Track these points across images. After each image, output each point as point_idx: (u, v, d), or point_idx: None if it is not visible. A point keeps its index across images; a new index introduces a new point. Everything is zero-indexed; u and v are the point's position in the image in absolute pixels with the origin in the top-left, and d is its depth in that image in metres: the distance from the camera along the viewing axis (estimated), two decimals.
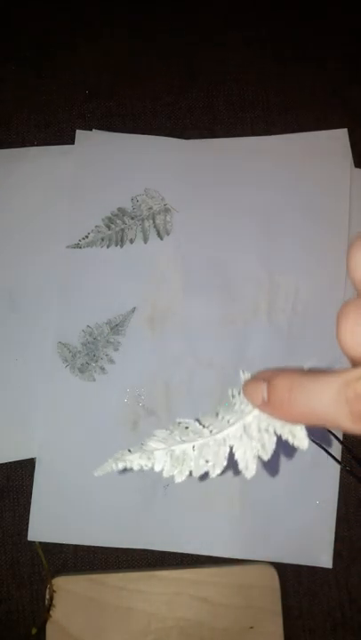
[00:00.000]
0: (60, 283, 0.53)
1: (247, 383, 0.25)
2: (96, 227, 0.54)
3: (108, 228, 0.54)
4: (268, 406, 0.23)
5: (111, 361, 0.52)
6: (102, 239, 0.54)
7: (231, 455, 0.25)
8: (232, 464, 0.25)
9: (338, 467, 0.51)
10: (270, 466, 0.51)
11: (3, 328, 0.52)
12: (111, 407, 0.51)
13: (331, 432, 0.51)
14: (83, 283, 0.53)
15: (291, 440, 0.24)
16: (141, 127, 0.57)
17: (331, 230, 0.55)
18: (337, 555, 0.50)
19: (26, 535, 0.49)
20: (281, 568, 0.50)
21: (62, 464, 0.50)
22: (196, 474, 0.25)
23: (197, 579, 0.49)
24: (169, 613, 0.48)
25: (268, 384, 0.24)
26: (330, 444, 0.51)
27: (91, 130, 0.56)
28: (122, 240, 0.54)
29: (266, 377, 0.24)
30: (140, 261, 0.54)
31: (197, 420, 0.27)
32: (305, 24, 0.60)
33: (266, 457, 0.25)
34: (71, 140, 0.56)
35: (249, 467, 0.25)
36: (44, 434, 0.51)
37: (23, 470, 0.51)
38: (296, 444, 0.24)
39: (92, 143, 0.56)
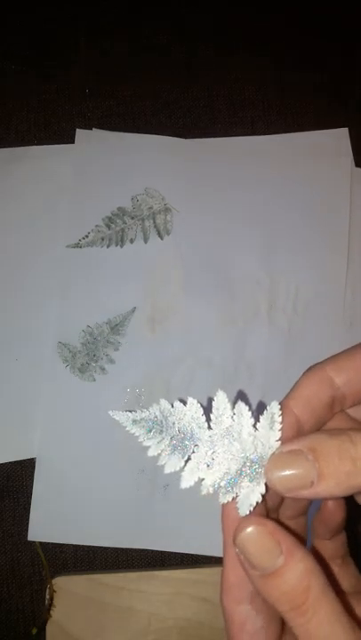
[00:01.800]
0: (60, 283, 0.53)
1: (279, 463, 0.23)
2: (96, 226, 0.54)
3: (108, 227, 0.54)
4: (321, 483, 0.21)
5: (111, 361, 0.52)
6: (102, 239, 0.54)
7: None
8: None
9: None
10: None
11: (3, 328, 0.52)
12: (111, 407, 0.51)
13: None
14: (83, 282, 0.53)
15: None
16: (141, 126, 0.57)
17: (331, 230, 0.55)
18: None
19: (26, 535, 0.49)
20: None
21: (62, 464, 0.50)
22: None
23: (197, 579, 0.49)
24: (169, 613, 0.48)
25: (315, 454, 0.22)
26: None
27: (91, 129, 0.56)
28: (122, 240, 0.54)
29: (304, 446, 0.22)
30: (141, 261, 0.54)
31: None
32: (305, 24, 0.60)
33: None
34: (71, 140, 0.56)
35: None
36: (44, 434, 0.50)
37: (23, 470, 0.51)
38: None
39: (93, 142, 0.56)
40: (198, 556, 0.50)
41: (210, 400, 0.24)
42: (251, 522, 0.22)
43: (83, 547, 0.50)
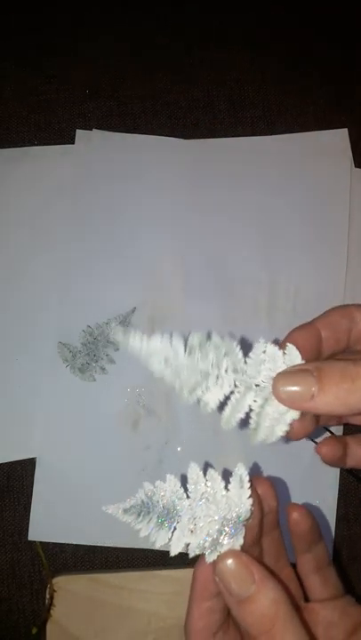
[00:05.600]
0: (60, 283, 0.53)
1: (286, 376, 0.26)
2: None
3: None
4: (320, 396, 0.24)
5: (111, 361, 0.52)
6: None
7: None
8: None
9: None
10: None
11: (3, 328, 0.52)
12: (111, 407, 0.51)
13: (330, 432, 0.51)
14: (83, 283, 0.53)
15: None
16: (142, 127, 0.57)
17: (331, 230, 0.55)
18: (337, 554, 0.51)
19: (26, 535, 0.49)
20: None
21: (62, 464, 0.50)
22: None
23: None
24: (169, 613, 0.48)
25: (320, 372, 0.25)
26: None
27: (91, 129, 0.56)
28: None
29: (309, 368, 0.25)
30: (141, 261, 0.54)
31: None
32: (305, 24, 0.60)
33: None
34: (71, 140, 0.56)
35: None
36: (44, 434, 0.51)
37: (24, 470, 0.51)
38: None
39: (93, 143, 0.56)
40: (198, 555, 0.50)
41: (183, 476, 0.29)
42: (229, 555, 0.27)
43: (83, 546, 0.50)
